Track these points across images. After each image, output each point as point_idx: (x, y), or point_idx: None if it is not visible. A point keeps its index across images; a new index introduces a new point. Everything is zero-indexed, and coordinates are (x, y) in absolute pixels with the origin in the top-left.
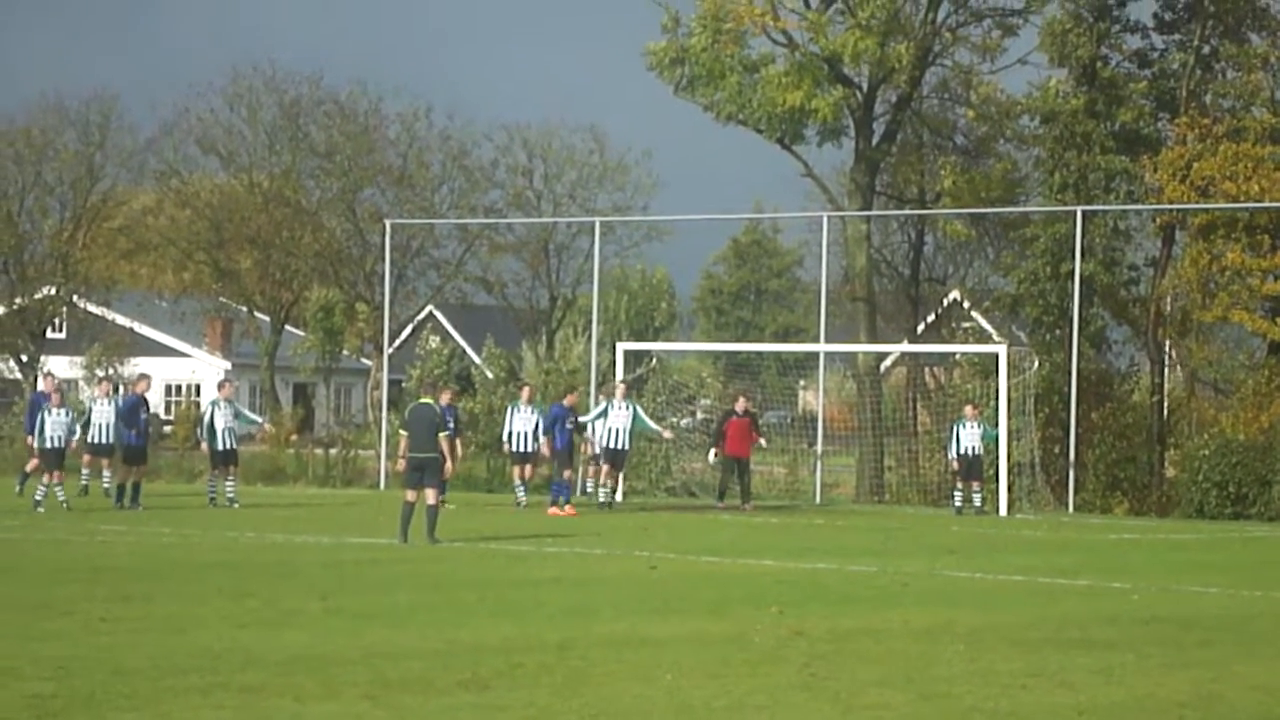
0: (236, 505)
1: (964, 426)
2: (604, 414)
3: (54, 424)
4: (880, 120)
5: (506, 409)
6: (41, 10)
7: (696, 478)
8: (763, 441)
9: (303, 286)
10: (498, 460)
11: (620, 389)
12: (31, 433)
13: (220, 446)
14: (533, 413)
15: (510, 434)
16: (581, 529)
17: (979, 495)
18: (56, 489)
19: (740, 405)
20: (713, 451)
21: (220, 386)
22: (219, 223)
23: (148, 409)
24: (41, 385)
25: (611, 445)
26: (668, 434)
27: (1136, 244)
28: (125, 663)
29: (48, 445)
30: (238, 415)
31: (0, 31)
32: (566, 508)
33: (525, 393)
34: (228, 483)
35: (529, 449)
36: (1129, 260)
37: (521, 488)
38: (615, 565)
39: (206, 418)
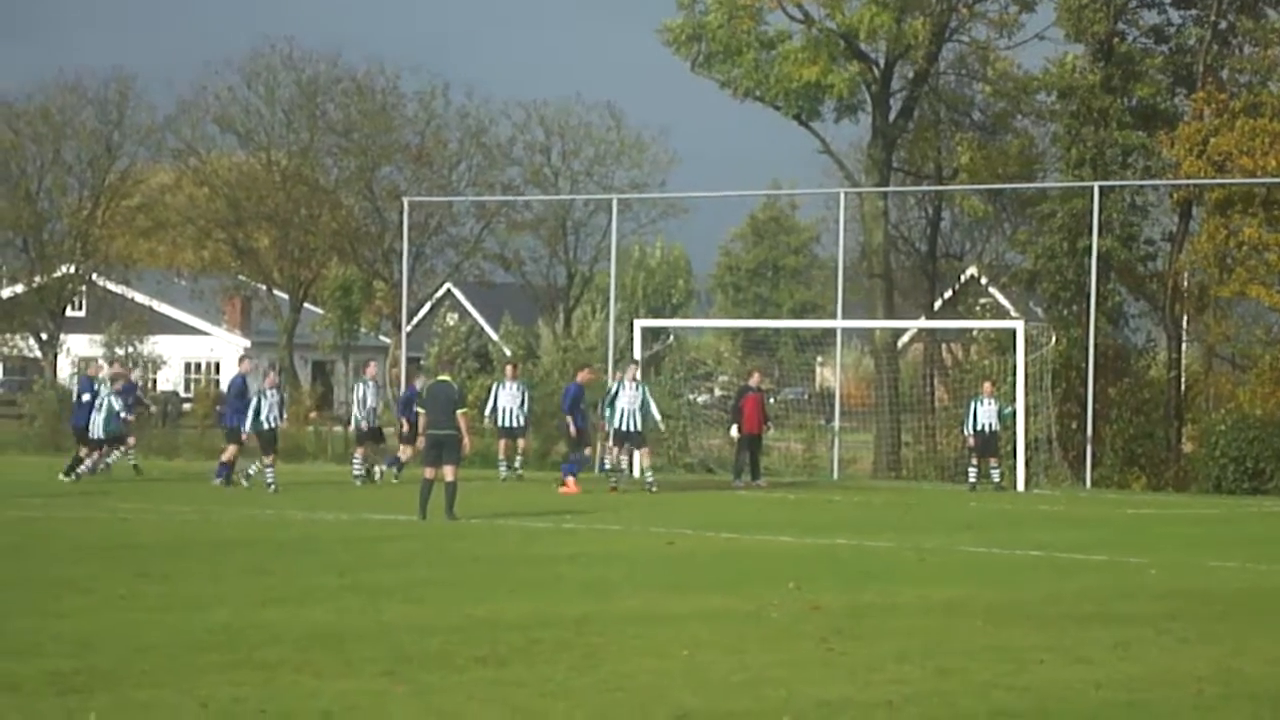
0: (378, 480)
1: (981, 403)
2: (615, 395)
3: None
4: (897, 96)
5: (492, 386)
6: None
7: (714, 454)
8: (769, 427)
9: (321, 264)
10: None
11: (631, 369)
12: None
13: (367, 424)
14: (518, 389)
15: (496, 410)
16: (599, 505)
17: (997, 471)
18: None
19: (755, 380)
20: (735, 428)
21: (366, 366)
22: (237, 201)
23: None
24: (105, 370)
25: (620, 427)
26: (663, 426)
27: (1153, 219)
28: (146, 639)
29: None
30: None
31: (20, 11)
32: (570, 482)
33: (510, 370)
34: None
35: (515, 424)
36: (1146, 236)
37: (504, 464)
38: (633, 541)
39: (359, 395)
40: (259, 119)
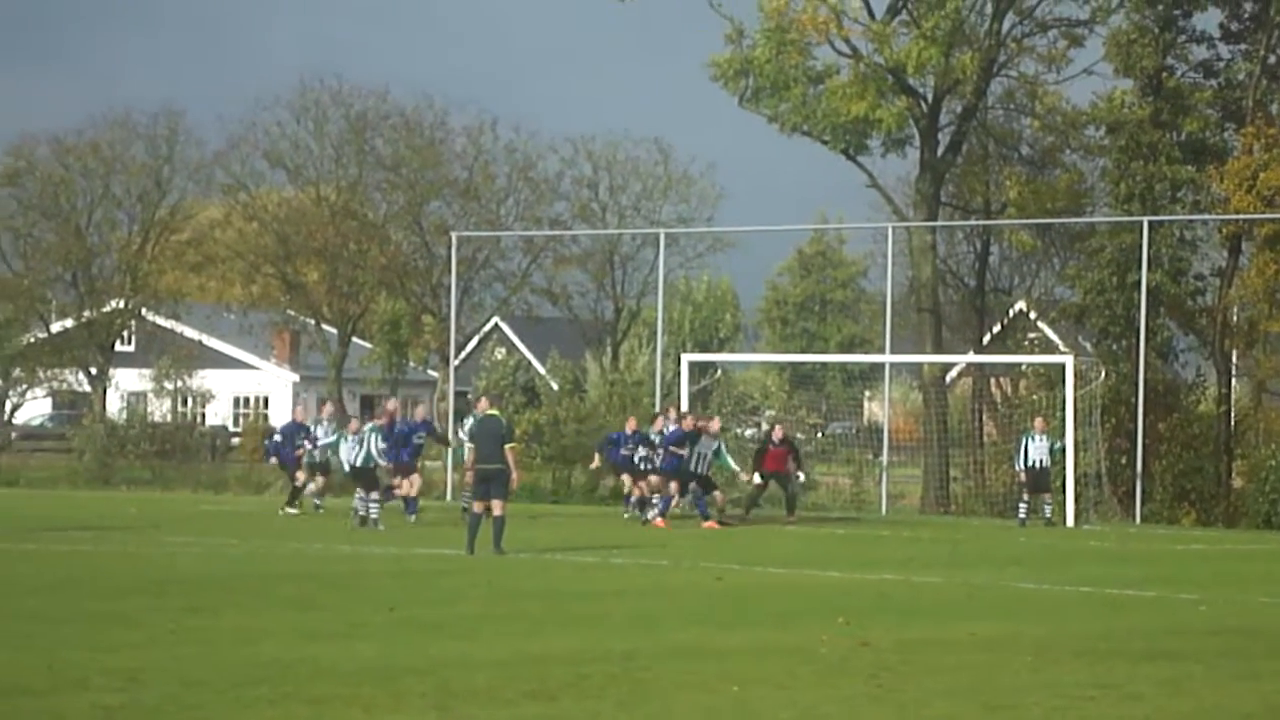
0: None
1: (1032, 439)
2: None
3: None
4: (945, 130)
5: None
6: (112, 25)
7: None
8: (800, 475)
9: (369, 299)
10: (563, 471)
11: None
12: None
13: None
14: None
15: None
16: (648, 540)
17: (1049, 507)
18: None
19: (777, 434)
20: (756, 475)
21: (478, 401)
22: (286, 236)
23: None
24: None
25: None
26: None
27: (1203, 254)
28: (194, 674)
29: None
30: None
31: (69, 45)
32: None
33: (632, 421)
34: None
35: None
36: (1195, 270)
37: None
38: (681, 576)
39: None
40: (308, 154)
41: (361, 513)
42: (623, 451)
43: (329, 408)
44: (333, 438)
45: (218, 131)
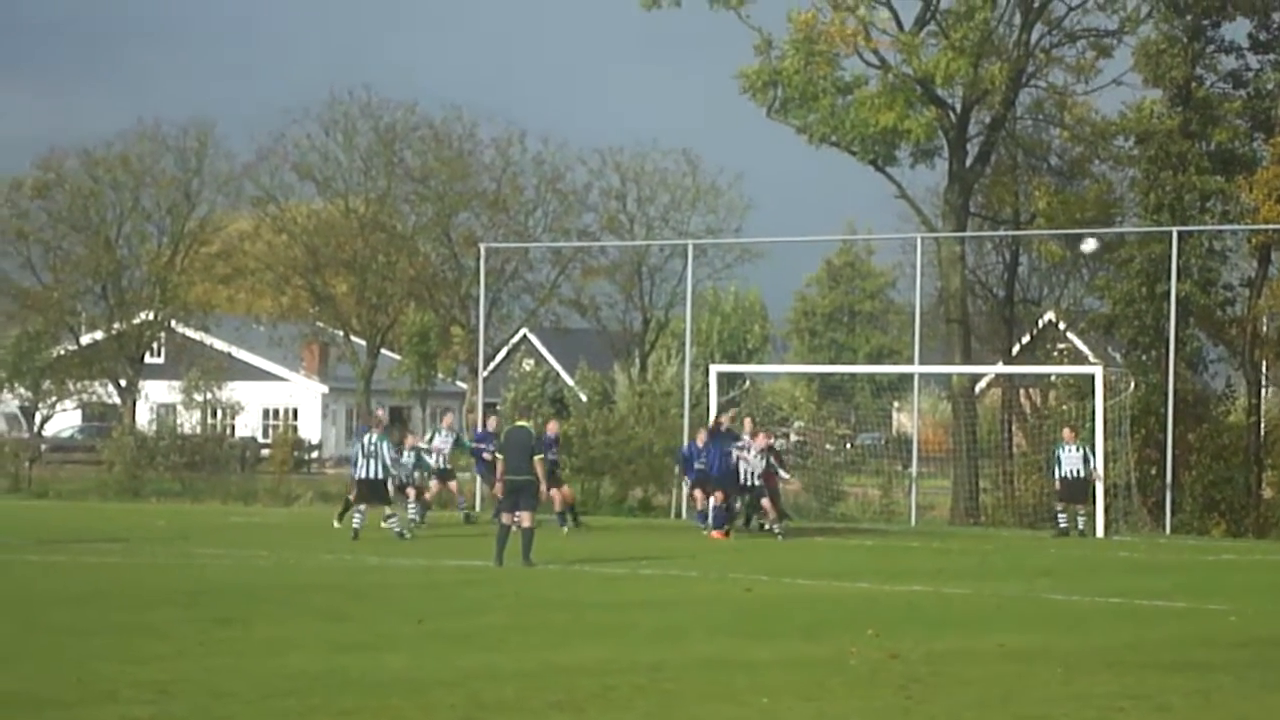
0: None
1: (1064, 450)
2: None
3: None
4: (974, 141)
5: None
6: (142, 37)
7: (789, 500)
8: (784, 474)
9: (398, 310)
10: (592, 482)
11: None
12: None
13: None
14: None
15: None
16: (677, 552)
17: (1083, 518)
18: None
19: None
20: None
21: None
22: (315, 248)
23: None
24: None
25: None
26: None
27: (1232, 264)
28: (223, 686)
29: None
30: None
31: (99, 58)
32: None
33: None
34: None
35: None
36: (1224, 280)
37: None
38: (709, 587)
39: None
40: (337, 166)
41: (356, 525)
42: (697, 466)
43: (450, 417)
44: (447, 443)
45: (247, 144)
